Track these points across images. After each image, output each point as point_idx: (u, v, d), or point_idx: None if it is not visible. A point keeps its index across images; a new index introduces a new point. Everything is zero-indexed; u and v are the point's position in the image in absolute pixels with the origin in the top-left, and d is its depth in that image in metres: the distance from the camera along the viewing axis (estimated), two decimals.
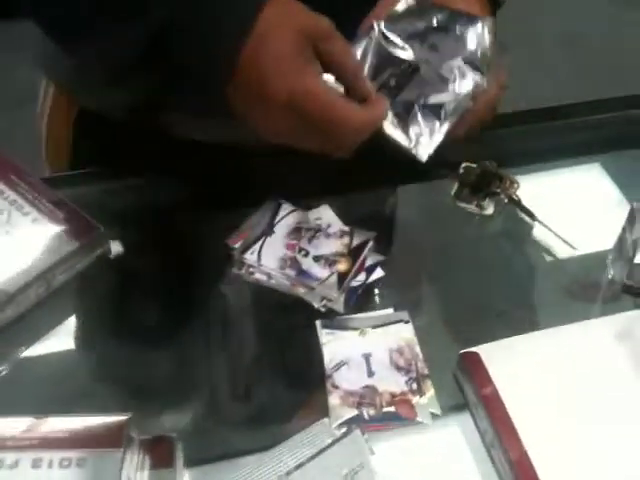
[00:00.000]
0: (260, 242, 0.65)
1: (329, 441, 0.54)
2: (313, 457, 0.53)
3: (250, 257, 0.64)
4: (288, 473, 0.52)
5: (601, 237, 0.68)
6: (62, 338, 0.64)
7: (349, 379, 0.59)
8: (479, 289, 0.67)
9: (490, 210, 0.71)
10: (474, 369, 0.57)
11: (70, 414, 0.53)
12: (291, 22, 0.51)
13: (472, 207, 0.71)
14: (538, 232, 0.70)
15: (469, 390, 0.58)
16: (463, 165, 0.72)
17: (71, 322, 0.65)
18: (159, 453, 0.53)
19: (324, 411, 0.57)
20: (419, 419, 0.57)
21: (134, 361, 0.63)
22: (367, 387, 0.59)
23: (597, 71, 2.13)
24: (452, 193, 0.72)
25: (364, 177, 0.70)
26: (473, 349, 0.58)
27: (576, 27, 2.38)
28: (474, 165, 0.72)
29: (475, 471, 0.55)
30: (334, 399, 0.58)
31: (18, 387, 0.59)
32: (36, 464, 0.49)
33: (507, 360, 0.57)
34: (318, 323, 0.63)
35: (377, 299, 0.65)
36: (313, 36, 0.52)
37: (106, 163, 0.75)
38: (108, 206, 0.71)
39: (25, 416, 0.52)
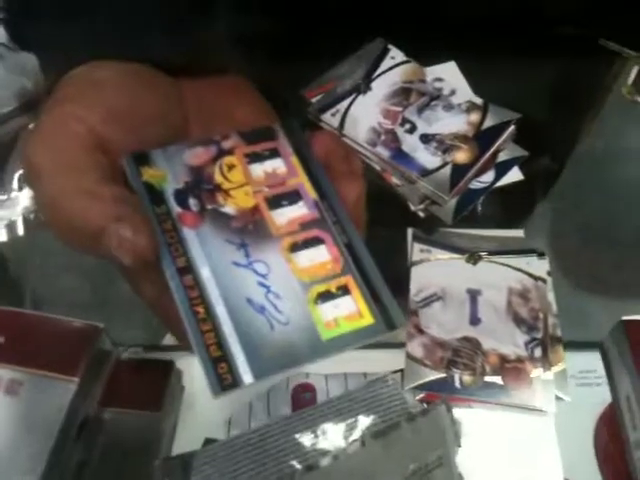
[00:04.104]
0: (348, 100, 0.44)
1: (394, 415, 0.35)
2: (363, 441, 0.33)
3: (330, 120, 0.44)
4: (310, 467, 0.32)
5: None
6: None
7: (443, 322, 0.40)
8: None
9: None
10: None
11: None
12: None
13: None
14: None
15: (623, 374, 0.38)
16: None
17: None
18: (145, 387, 0.35)
19: (397, 363, 0.38)
20: (537, 404, 0.37)
21: None
22: (466, 339, 0.40)
23: None
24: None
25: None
26: None
27: None
28: None
29: None
30: (415, 348, 0.39)
31: None
32: None
33: None
34: (410, 232, 0.44)
35: (503, 213, 0.44)
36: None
37: None
38: None
39: None
